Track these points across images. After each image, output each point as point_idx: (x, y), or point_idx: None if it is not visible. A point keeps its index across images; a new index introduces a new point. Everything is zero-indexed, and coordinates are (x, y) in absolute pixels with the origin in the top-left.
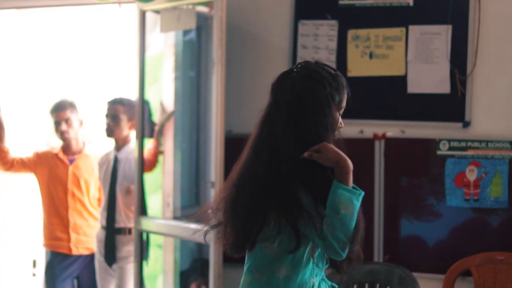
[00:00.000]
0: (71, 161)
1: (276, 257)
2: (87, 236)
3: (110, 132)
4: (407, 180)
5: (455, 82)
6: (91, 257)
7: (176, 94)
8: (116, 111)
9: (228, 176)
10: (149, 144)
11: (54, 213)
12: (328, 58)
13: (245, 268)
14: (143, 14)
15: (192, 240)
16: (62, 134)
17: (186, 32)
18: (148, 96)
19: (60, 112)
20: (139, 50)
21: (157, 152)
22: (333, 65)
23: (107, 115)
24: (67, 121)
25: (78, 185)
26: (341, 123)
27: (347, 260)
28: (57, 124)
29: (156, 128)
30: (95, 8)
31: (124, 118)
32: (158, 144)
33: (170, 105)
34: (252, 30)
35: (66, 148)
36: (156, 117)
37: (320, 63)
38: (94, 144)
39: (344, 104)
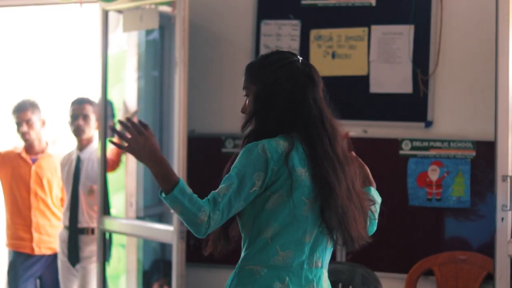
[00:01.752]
0: (34, 161)
1: None
2: (49, 236)
3: (81, 132)
4: None
5: (417, 82)
6: (53, 257)
7: (139, 94)
8: (87, 111)
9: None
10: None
11: (17, 212)
12: None
13: (318, 267)
14: (105, 14)
15: (154, 240)
16: (23, 135)
17: (149, 32)
18: (111, 96)
19: (21, 113)
20: (102, 49)
21: (120, 151)
22: None
23: (75, 115)
24: (28, 122)
25: (41, 185)
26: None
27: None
28: (18, 125)
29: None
30: (57, 7)
31: (93, 117)
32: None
33: (133, 105)
34: (215, 30)
35: (29, 147)
36: (119, 117)
37: None
38: (57, 143)
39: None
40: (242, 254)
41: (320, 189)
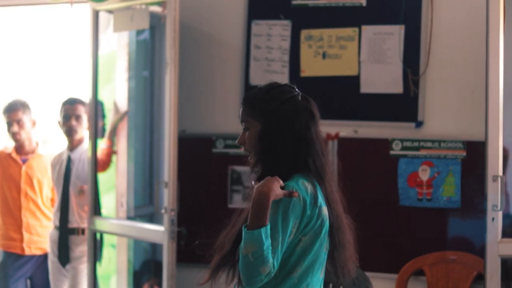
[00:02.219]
0: (24, 161)
1: None
2: (40, 236)
3: (73, 132)
4: (360, 180)
5: (407, 82)
6: (44, 257)
7: (129, 94)
8: (80, 111)
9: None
10: (102, 144)
11: (8, 213)
12: (281, 58)
13: None
14: (96, 14)
15: (145, 240)
16: (13, 136)
17: (139, 32)
18: (102, 96)
19: (12, 113)
20: (92, 50)
21: (111, 152)
22: (286, 65)
23: (68, 115)
24: (18, 122)
25: (31, 185)
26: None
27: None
28: (9, 125)
29: (109, 128)
30: (47, 7)
31: (85, 118)
32: (112, 144)
33: (123, 105)
34: (206, 30)
35: (19, 148)
36: (110, 117)
37: None
38: (48, 144)
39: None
40: None
41: (335, 225)
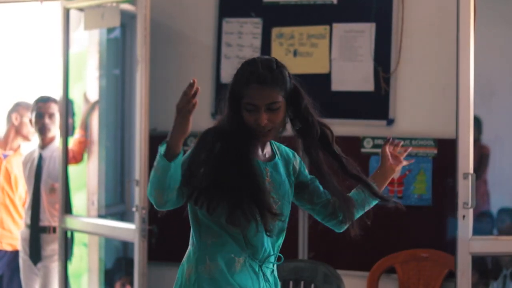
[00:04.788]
0: (5, 156)
1: None
2: (11, 233)
3: (47, 130)
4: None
5: (379, 80)
6: (14, 255)
7: (100, 92)
8: (53, 109)
9: None
10: (75, 134)
11: None
12: (253, 56)
13: None
14: (66, 12)
15: (116, 238)
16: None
17: (110, 30)
18: (73, 94)
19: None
20: (63, 48)
21: (84, 141)
22: None
23: (41, 113)
24: (30, 121)
25: (9, 181)
26: (256, 120)
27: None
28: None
29: (81, 118)
30: (17, 5)
31: (58, 116)
32: (85, 133)
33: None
34: (177, 27)
35: (3, 143)
36: (80, 115)
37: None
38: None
39: (247, 99)
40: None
41: None
